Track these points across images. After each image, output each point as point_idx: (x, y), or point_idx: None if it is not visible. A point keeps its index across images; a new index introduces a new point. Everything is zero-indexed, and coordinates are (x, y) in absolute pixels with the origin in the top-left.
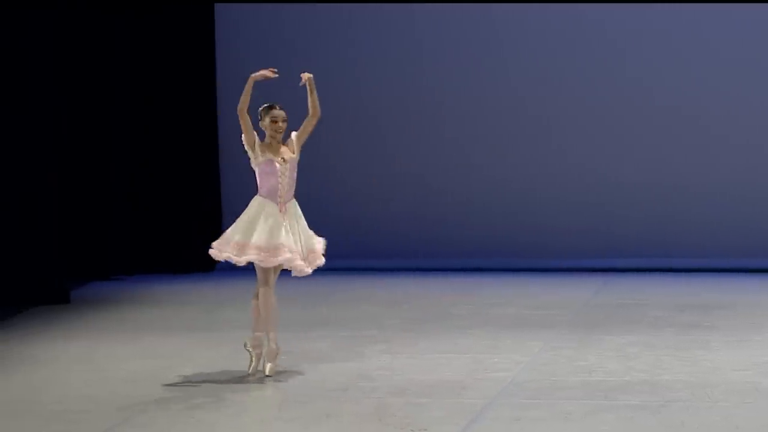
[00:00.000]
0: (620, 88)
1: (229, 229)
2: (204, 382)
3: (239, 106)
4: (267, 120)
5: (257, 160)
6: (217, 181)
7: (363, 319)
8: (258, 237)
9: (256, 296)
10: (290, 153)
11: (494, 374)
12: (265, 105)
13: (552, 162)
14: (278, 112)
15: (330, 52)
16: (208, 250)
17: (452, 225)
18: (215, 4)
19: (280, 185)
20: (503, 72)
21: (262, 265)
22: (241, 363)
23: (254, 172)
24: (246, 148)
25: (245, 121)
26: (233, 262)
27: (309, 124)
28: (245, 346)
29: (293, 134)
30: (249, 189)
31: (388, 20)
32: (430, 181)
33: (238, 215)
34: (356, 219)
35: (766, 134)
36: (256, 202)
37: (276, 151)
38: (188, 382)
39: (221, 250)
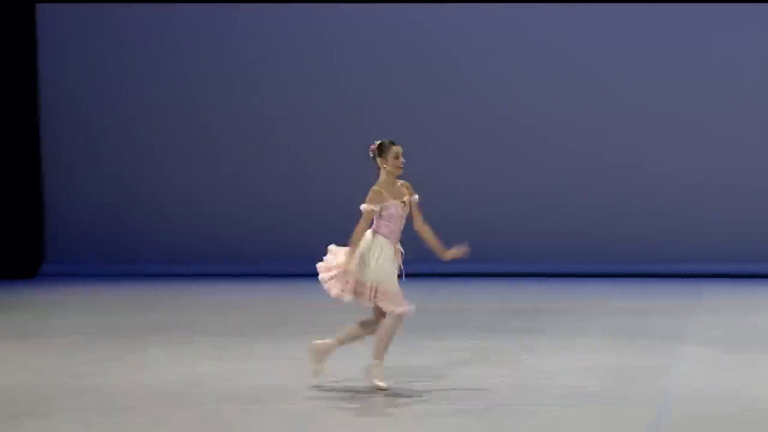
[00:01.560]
0: (456, 97)
1: (349, 265)
2: (32, 388)
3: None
4: (390, 157)
5: (382, 208)
6: (38, 188)
7: (196, 325)
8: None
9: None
10: (407, 194)
11: (327, 380)
12: (380, 142)
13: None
14: (399, 148)
15: (154, 53)
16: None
17: (289, 231)
18: (37, 5)
19: (398, 228)
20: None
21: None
22: (71, 369)
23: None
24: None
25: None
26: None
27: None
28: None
29: (416, 196)
30: (72, 196)
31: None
32: (255, 189)
33: (60, 223)
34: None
35: (590, 141)
36: (379, 243)
37: (394, 190)
38: (15, 387)
39: (334, 286)
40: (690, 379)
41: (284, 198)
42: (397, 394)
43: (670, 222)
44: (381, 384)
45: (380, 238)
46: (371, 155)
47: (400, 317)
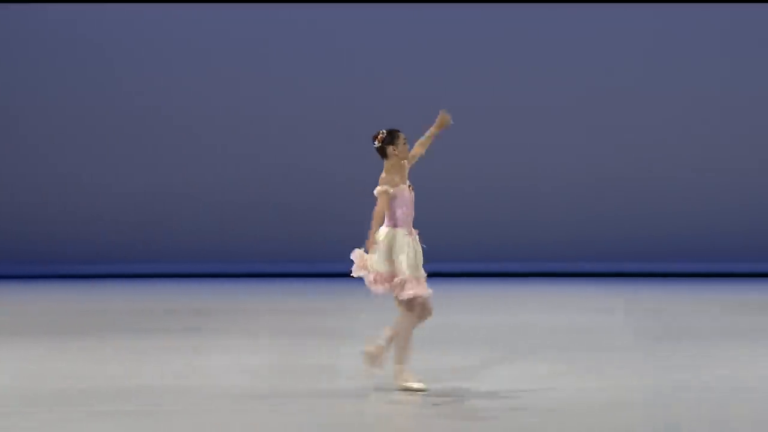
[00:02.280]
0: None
1: (402, 267)
2: None
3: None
4: (400, 143)
5: (395, 193)
6: None
7: None
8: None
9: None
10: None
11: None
12: (387, 131)
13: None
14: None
15: None
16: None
17: None
18: None
19: (411, 212)
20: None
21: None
22: None
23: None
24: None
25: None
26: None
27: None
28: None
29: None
30: None
31: None
32: None
33: None
34: None
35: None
36: (391, 235)
37: (402, 176)
38: None
39: (410, 288)
40: (352, 376)
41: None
42: (48, 396)
43: (335, 222)
44: (414, 385)
45: (399, 231)
46: (377, 144)
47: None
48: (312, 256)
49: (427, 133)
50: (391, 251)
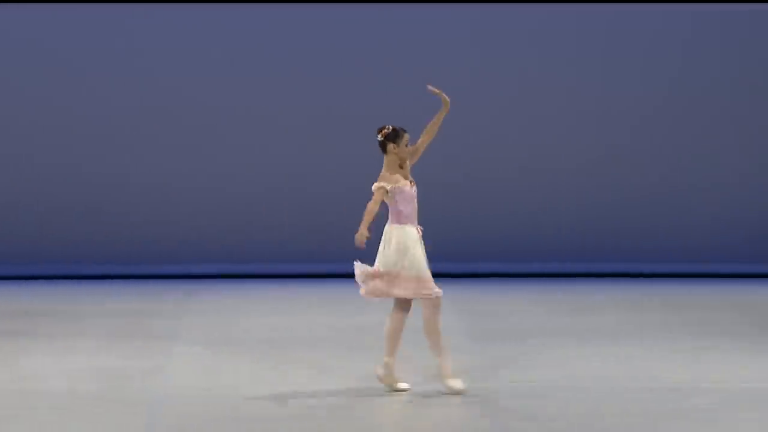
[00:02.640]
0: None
1: (418, 268)
2: None
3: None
4: (402, 143)
5: (395, 190)
6: None
7: None
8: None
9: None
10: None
11: None
12: (393, 128)
13: None
14: (408, 134)
15: None
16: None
17: None
18: None
19: (414, 209)
20: None
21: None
22: None
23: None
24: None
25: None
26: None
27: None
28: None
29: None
30: None
31: None
32: None
33: None
34: None
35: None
36: (401, 232)
37: (404, 174)
38: None
39: (431, 287)
40: (182, 379)
41: None
42: None
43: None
44: (458, 386)
45: (405, 228)
46: (380, 138)
47: (438, 299)
48: (135, 259)
49: (434, 119)
50: (406, 249)
